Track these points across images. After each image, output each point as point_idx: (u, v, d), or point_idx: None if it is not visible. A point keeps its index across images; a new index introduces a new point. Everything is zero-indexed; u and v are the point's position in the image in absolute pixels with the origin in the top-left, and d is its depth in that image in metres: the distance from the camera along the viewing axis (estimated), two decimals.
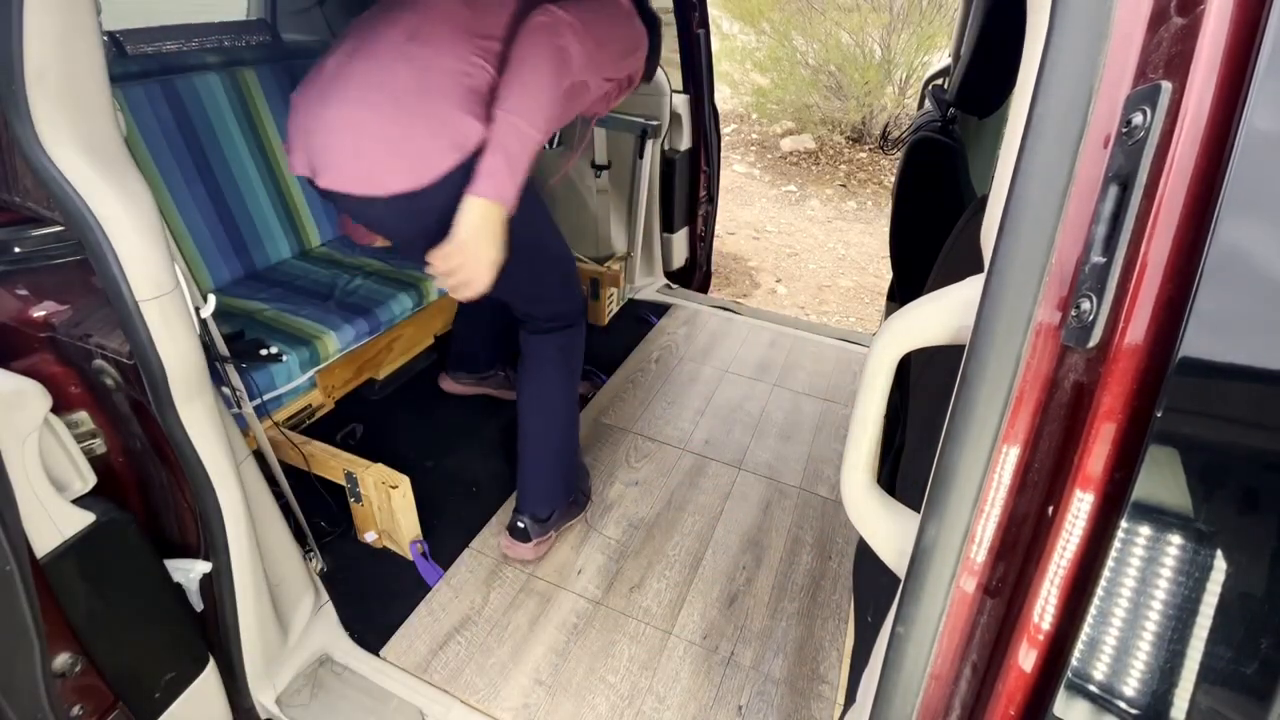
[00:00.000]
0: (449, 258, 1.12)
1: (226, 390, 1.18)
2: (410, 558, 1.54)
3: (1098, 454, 0.43)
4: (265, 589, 1.19)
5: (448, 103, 1.10)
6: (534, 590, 1.51)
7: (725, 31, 7.11)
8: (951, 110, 1.68)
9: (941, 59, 3.12)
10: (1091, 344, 0.42)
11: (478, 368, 2.04)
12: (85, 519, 0.90)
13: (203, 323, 1.02)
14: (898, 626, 0.56)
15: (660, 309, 2.65)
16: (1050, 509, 0.45)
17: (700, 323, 2.58)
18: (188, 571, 1.08)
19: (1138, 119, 0.39)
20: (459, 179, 1.11)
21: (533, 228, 1.31)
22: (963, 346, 0.51)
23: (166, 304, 0.89)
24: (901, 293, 2.05)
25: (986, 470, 0.49)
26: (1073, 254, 0.44)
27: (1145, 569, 0.41)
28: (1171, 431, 0.39)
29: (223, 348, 1.12)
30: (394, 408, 2.02)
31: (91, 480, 0.93)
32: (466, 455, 1.87)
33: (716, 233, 2.88)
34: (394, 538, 1.55)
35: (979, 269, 0.51)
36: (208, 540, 1.06)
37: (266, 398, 1.60)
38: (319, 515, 1.58)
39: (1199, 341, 0.37)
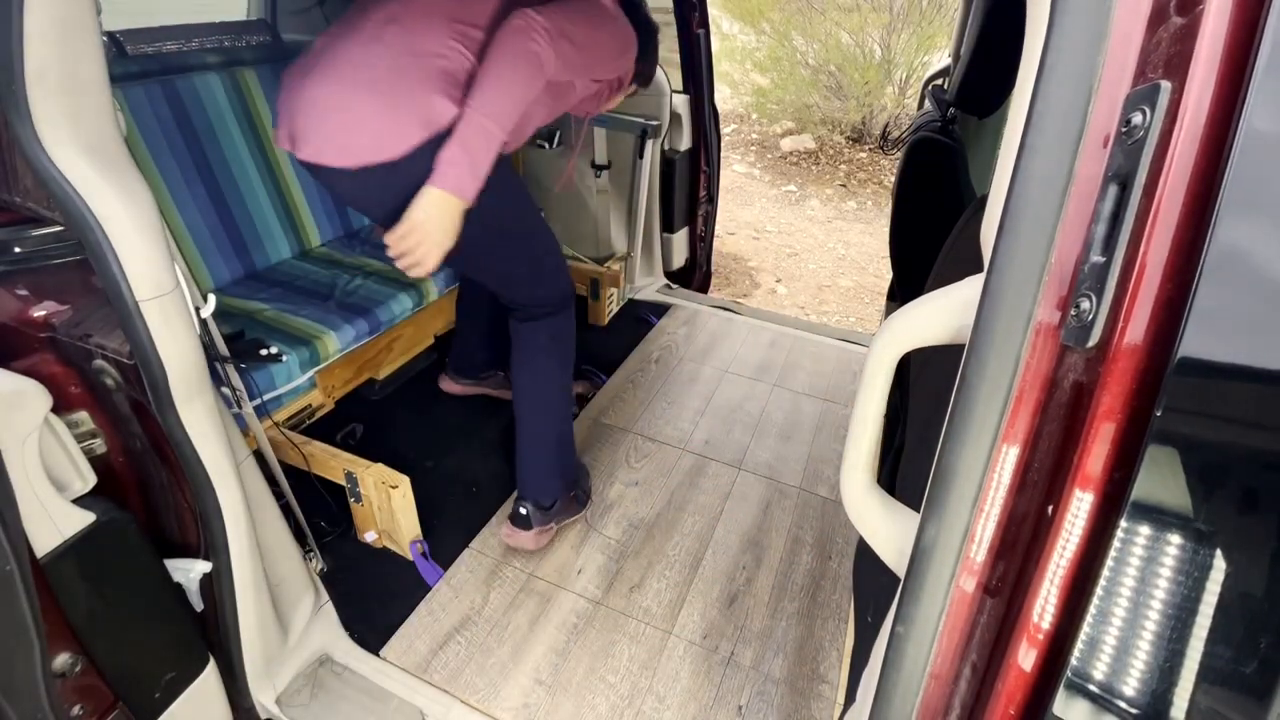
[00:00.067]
0: (402, 238, 1.18)
1: (227, 390, 1.18)
2: (410, 558, 1.54)
3: (1097, 453, 0.43)
4: (265, 589, 1.19)
5: (418, 82, 1.16)
6: (534, 590, 1.51)
7: (725, 31, 7.10)
8: (951, 110, 1.68)
9: (941, 59, 3.12)
10: (1091, 343, 0.42)
11: (477, 368, 2.04)
12: (85, 519, 0.90)
13: (203, 323, 1.02)
14: (897, 626, 0.56)
15: (660, 309, 2.65)
16: (1050, 508, 0.45)
17: (700, 323, 2.58)
18: (188, 571, 1.08)
19: (1137, 118, 0.39)
20: (431, 156, 1.16)
21: (514, 213, 1.36)
22: (962, 346, 0.51)
23: (167, 304, 0.89)
24: (901, 293, 2.05)
25: (986, 470, 0.49)
26: (1072, 253, 0.44)
27: (1145, 568, 0.41)
28: (1171, 431, 0.39)
29: (223, 348, 1.12)
30: (394, 408, 2.02)
31: (91, 480, 0.93)
32: (466, 455, 1.88)
33: (716, 233, 2.88)
34: (394, 538, 1.55)
35: (979, 269, 0.51)
36: (208, 540, 1.06)
37: (266, 398, 1.60)
38: (319, 515, 1.58)
39: (1198, 341, 0.37)
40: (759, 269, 4.34)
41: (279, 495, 1.31)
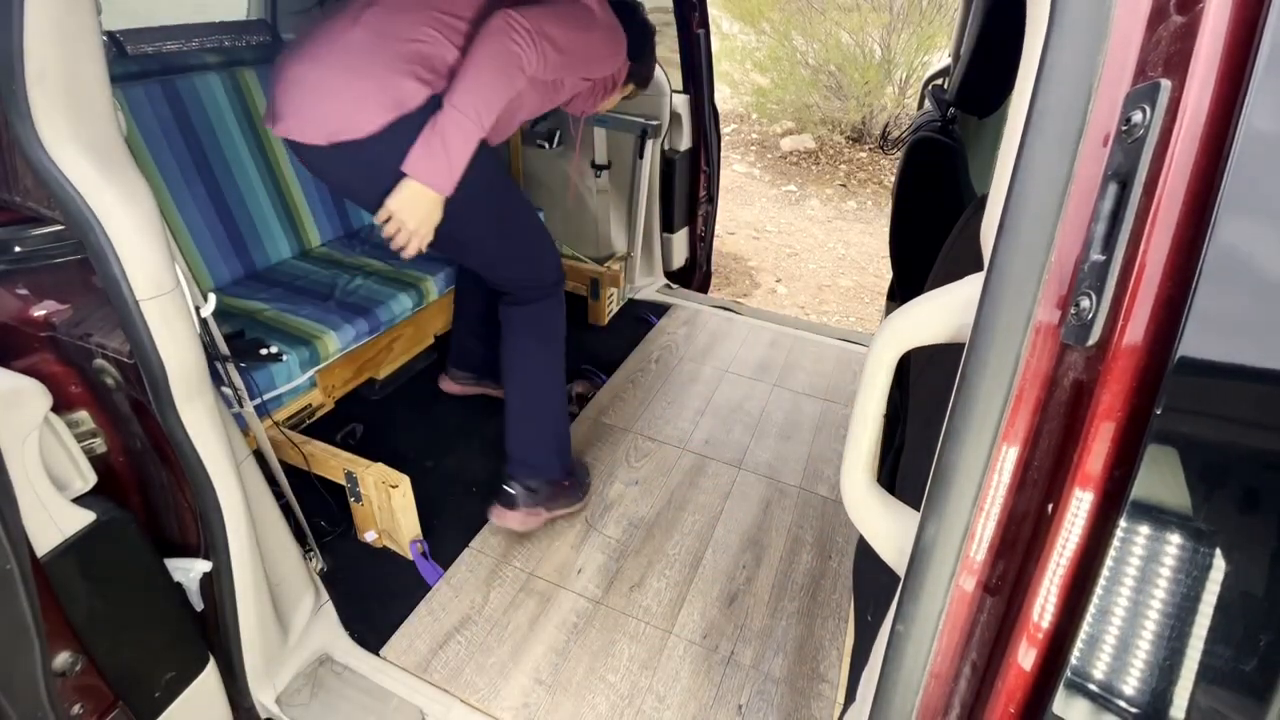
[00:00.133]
0: (386, 224, 1.26)
1: (227, 390, 1.18)
2: (410, 557, 1.54)
3: (1097, 452, 0.43)
4: (265, 588, 1.19)
5: (391, 63, 1.21)
6: (534, 590, 1.51)
7: (725, 31, 7.10)
8: (951, 110, 1.68)
9: (941, 59, 3.12)
10: (1091, 342, 0.42)
11: (477, 368, 2.04)
12: (85, 518, 0.90)
13: (203, 322, 1.02)
14: (898, 625, 0.56)
15: (660, 309, 2.65)
16: (1050, 507, 0.45)
17: (700, 323, 2.58)
18: (188, 571, 1.08)
19: (1137, 117, 0.39)
20: (401, 136, 1.20)
21: (493, 201, 1.40)
22: (963, 345, 0.51)
23: (167, 303, 0.89)
24: (901, 292, 2.05)
25: (986, 468, 0.49)
26: (1072, 252, 0.44)
27: (1144, 567, 0.41)
28: (1170, 430, 0.39)
29: (223, 347, 1.12)
30: (394, 407, 2.02)
31: (92, 479, 0.93)
32: (466, 455, 1.88)
33: (716, 233, 2.88)
34: (394, 537, 1.55)
35: (979, 268, 0.51)
36: (208, 540, 1.06)
37: (266, 397, 1.60)
38: (319, 515, 1.58)
39: (1198, 340, 0.37)
40: (759, 269, 4.34)
41: (279, 495, 1.31)
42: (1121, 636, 0.42)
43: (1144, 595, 0.41)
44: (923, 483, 0.55)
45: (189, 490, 1.02)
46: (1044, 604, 0.46)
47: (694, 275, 2.89)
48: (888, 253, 2.17)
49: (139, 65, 1.72)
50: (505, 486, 1.58)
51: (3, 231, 0.85)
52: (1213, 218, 0.36)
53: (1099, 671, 0.43)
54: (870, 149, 6.08)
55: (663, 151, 2.51)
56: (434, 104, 1.22)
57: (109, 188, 0.82)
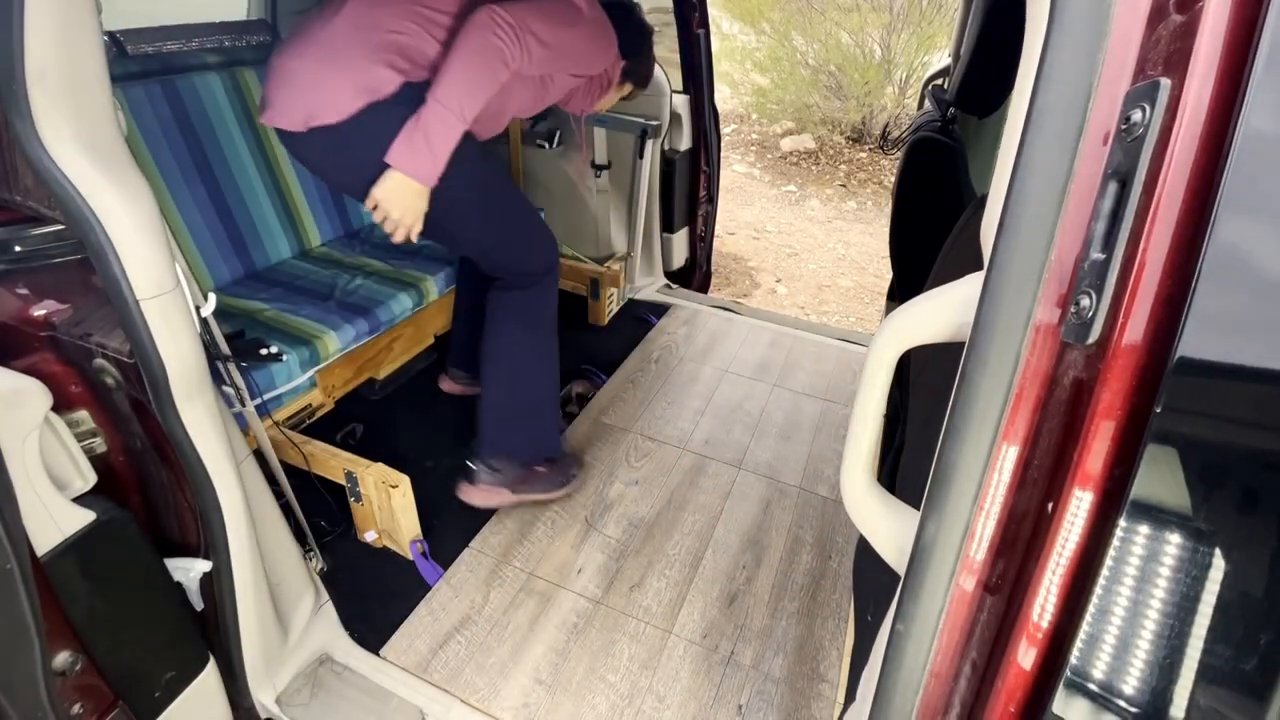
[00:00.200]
0: (373, 213, 1.31)
1: (227, 389, 1.18)
2: (410, 557, 1.54)
3: (1097, 451, 0.43)
4: (265, 588, 1.19)
5: (365, 52, 1.25)
6: (534, 590, 1.51)
7: (725, 31, 7.11)
8: (951, 110, 1.68)
9: (941, 59, 3.12)
10: (1091, 340, 0.42)
11: (477, 368, 2.03)
12: (85, 517, 0.90)
13: (203, 322, 1.02)
14: (898, 624, 0.56)
15: (660, 309, 2.65)
16: (1050, 506, 0.45)
17: (700, 323, 2.58)
18: (188, 570, 1.08)
19: (1137, 115, 0.39)
20: (374, 120, 1.25)
21: (478, 190, 1.42)
22: (962, 344, 0.51)
23: (167, 303, 0.89)
24: (901, 292, 2.05)
25: (986, 467, 0.49)
26: (1072, 251, 0.44)
27: (1144, 567, 0.41)
28: (1170, 428, 0.39)
29: (224, 347, 1.12)
30: (394, 407, 2.02)
31: (92, 479, 0.93)
32: (466, 455, 1.87)
33: (716, 233, 2.88)
34: (394, 537, 1.55)
35: (979, 268, 0.51)
36: (208, 539, 1.06)
37: (266, 397, 1.60)
38: (319, 515, 1.58)
39: (1198, 338, 0.37)
40: (759, 269, 4.34)
41: (279, 495, 1.31)
42: (1121, 636, 0.42)
43: (1144, 595, 0.41)
44: (923, 482, 0.55)
45: (189, 490, 1.02)
46: (1044, 603, 0.46)
47: (694, 275, 2.89)
48: (888, 253, 2.17)
49: (139, 65, 1.72)
50: (469, 462, 1.62)
51: (3, 231, 0.85)
52: (1212, 216, 0.36)
53: (1099, 671, 0.43)
54: (870, 149, 6.08)
55: (663, 151, 2.51)
56: (409, 91, 1.26)
57: (109, 187, 0.82)
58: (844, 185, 5.62)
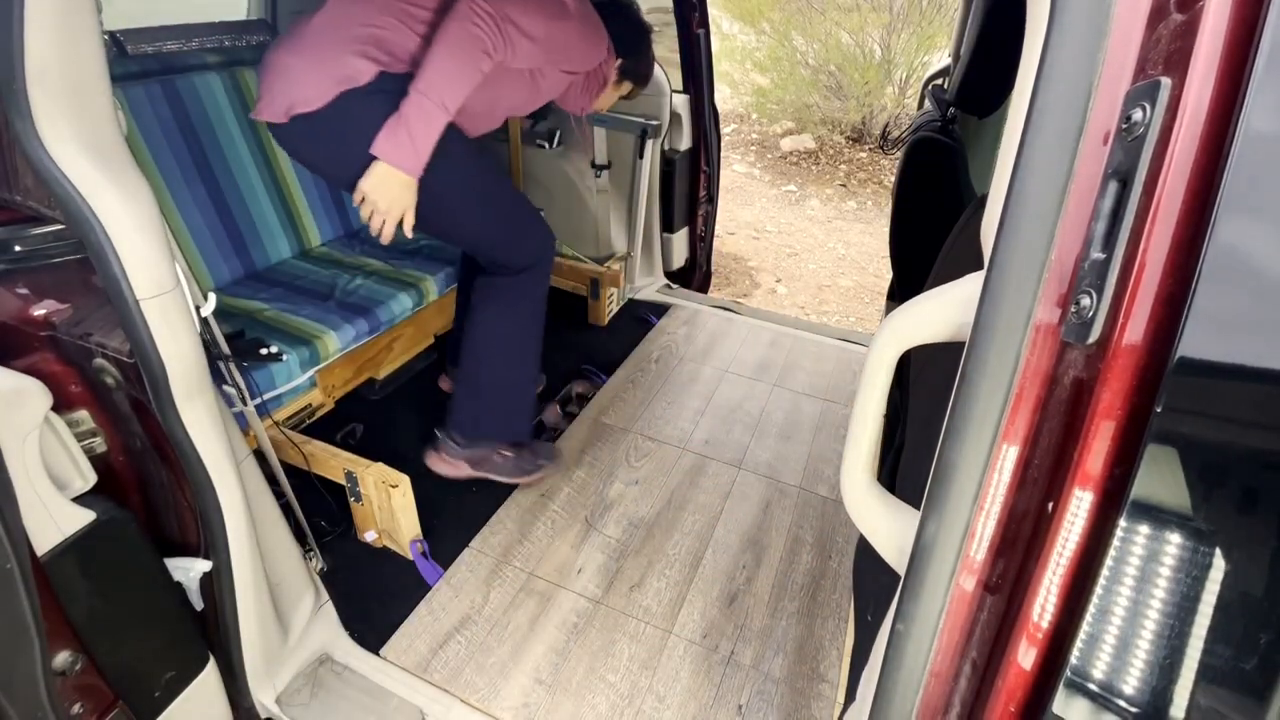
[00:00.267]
0: (361, 207, 1.33)
1: (228, 389, 1.18)
2: (410, 557, 1.54)
3: (1097, 451, 0.43)
4: (265, 588, 1.19)
5: (343, 44, 1.30)
6: (534, 589, 1.51)
7: (725, 31, 7.10)
8: (951, 110, 1.68)
9: (941, 59, 3.12)
10: (1091, 340, 0.42)
11: None
12: (86, 517, 0.90)
13: (203, 321, 1.02)
14: (898, 624, 0.56)
15: (660, 309, 2.65)
16: (1050, 506, 0.45)
17: (700, 323, 2.58)
18: (188, 570, 1.08)
19: (1137, 115, 0.39)
20: (349, 108, 1.29)
21: (461, 182, 1.45)
22: (963, 344, 0.51)
23: (167, 303, 0.89)
24: (902, 292, 2.05)
25: (986, 467, 0.49)
26: (1072, 250, 0.44)
27: (1144, 567, 0.41)
28: (1170, 429, 0.39)
29: (224, 346, 1.12)
30: (394, 407, 2.02)
31: (92, 479, 0.93)
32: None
33: (716, 233, 2.88)
34: (394, 537, 1.55)
35: (979, 268, 0.51)
36: (208, 539, 1.06)
37: (267, 397, 1.60)
38: (319, 515, 1.58)
39: (1198, 338, 0.37)
40: (759, 269, 4.34)
41: (279, 495, 1.31)
42: (1121, 636, 0.42)
43: (1144, 595, 0.41)
44: (923, 482, 0.55)
45: (189, 490, 1.02)
46: (1044, 603, 0.46)
47: (694, 275, 2.89)
48: (888, 253, 2.17)
49: (139, 65, 1.72)
50: (436, 430, 1.70)
51: (3, 231, 0.85)
52: (1213, 216, 0.36)
53: (1099, 671, 0.43)
54: (870, 149, 6.08)
55: (663, 151, 2.51)
56: (385, 80, 1.30)
57: (109, 187, 0.82)
58: (844, 185, 5.62)
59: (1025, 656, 0.47)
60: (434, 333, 2.24)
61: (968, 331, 0.50)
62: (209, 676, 1.14)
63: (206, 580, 1.10)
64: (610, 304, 2.55)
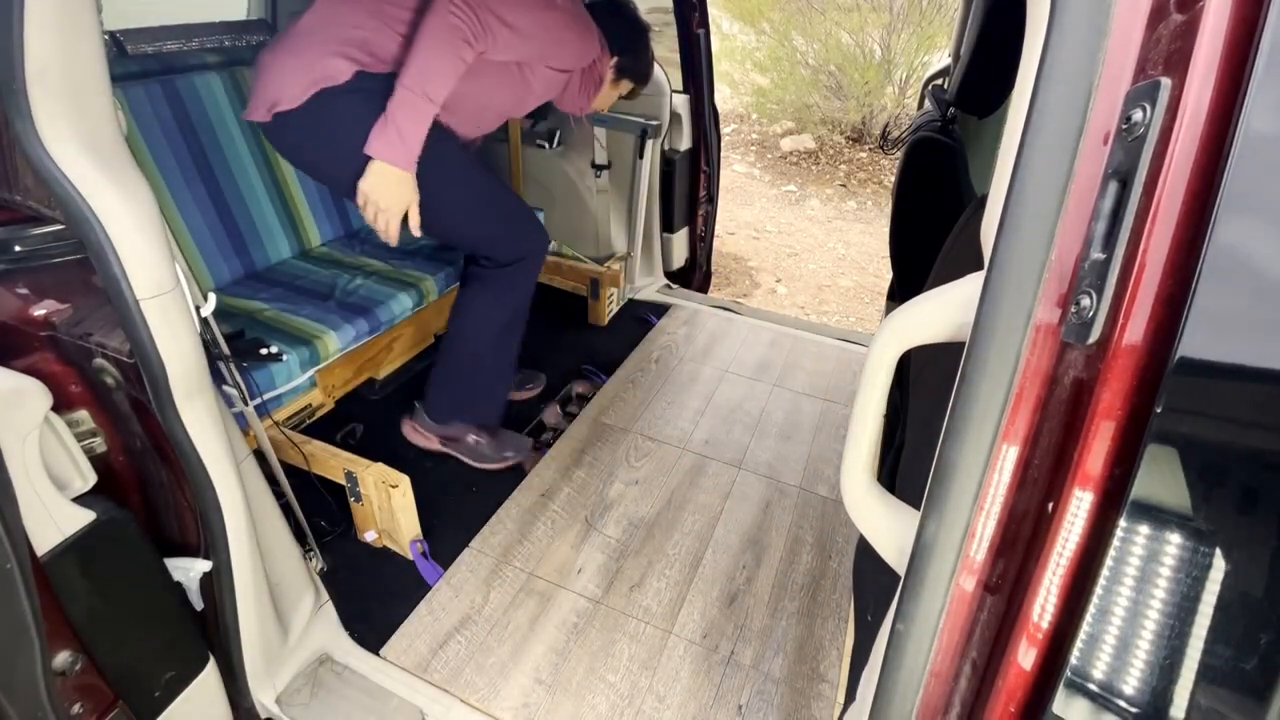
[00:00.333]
0: (362, 208, 1.38)
1: (228, 389, 1.18)
2: (410, 557, 1.54)
3: (1097, 451, 0.43)
4: (265, 588, 1.19)
5: (324, 45, 1.34)
6: (534, 590, 1.51)
7: (725, 31, 7.11)
8: (951, 110, 1.68)
9: (941, 59, 3.12)
10: (1091, 340, 0.42)
11: None
12: (85, 517, 0.90)
13: (203, 321, 1.02)
14: (898, 624, 0.56)
15: (660, 309, 2.65)
16: (1050, 506, 0.45)
17: (700, 323, 2.58)
18: (188, 570, 1.08)
19: (1137, 115, 0.39)
20: (327, 106, 1.34)
21: (444, 180, 1.47)
22: (962, 344, 0.51)
23: (167, 303, 0.89)
24: (902, 292, 2.05)
25: (986, 467, 0.49)
26: (1073, 250, 0.44)
27: (1144, 567, 0.41)
28: (1170, 429, 0.39)
29: (224, 346, 1.12)
30: (394, 407, 2.02)
31: (92, 479, 0.93)
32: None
33: (716, 233, 2.88)
34: (394, 537, 1.55)
35: (979, 268, 0.51)
36: (208, 539, 1.06)
37: (266, 397, 1.60)
38: (319, 515, 1.58)
39: (1198, 338, 0.37)
40: (759, 269, 4.34)
41: (279, 495, 1.30)
42: (1121, 636, 0.42)
43: (1144, 595, 0.41)
44: (923, 482, 0.55)
45: (189, 490, 1.02)
46: (1044, 603, 0.46)
47: (694, 275, 2.89)
48: (888, 253, 2.17)
49: (139, 65, 1.72)
50: (416, 401, 1.81)
51: (3, 231, 0.85)
52: (1213, 216, 0.36)
53: (1099, 671, 0.43)
54: (870, 149, 6.08)
55: (663, 151, 2.51)
56: (363, 80, 1.35)
57: (109, 187, 0.82)
58: (844, 185, 5.62)
59: (1025, 656, 0.47)
60: (434, 333, 2.24)
61: (968, 331, 0.50)
62: (209, 676, 1.14)
63: (206, 580, 1.10)
64: (610, 304, 2.55)
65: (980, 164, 1.65)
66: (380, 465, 1.49)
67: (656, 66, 2.19)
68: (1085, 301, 0.42)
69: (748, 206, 5.24)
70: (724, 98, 6.63)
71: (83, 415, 0.98)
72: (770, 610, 1.48)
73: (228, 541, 1.07)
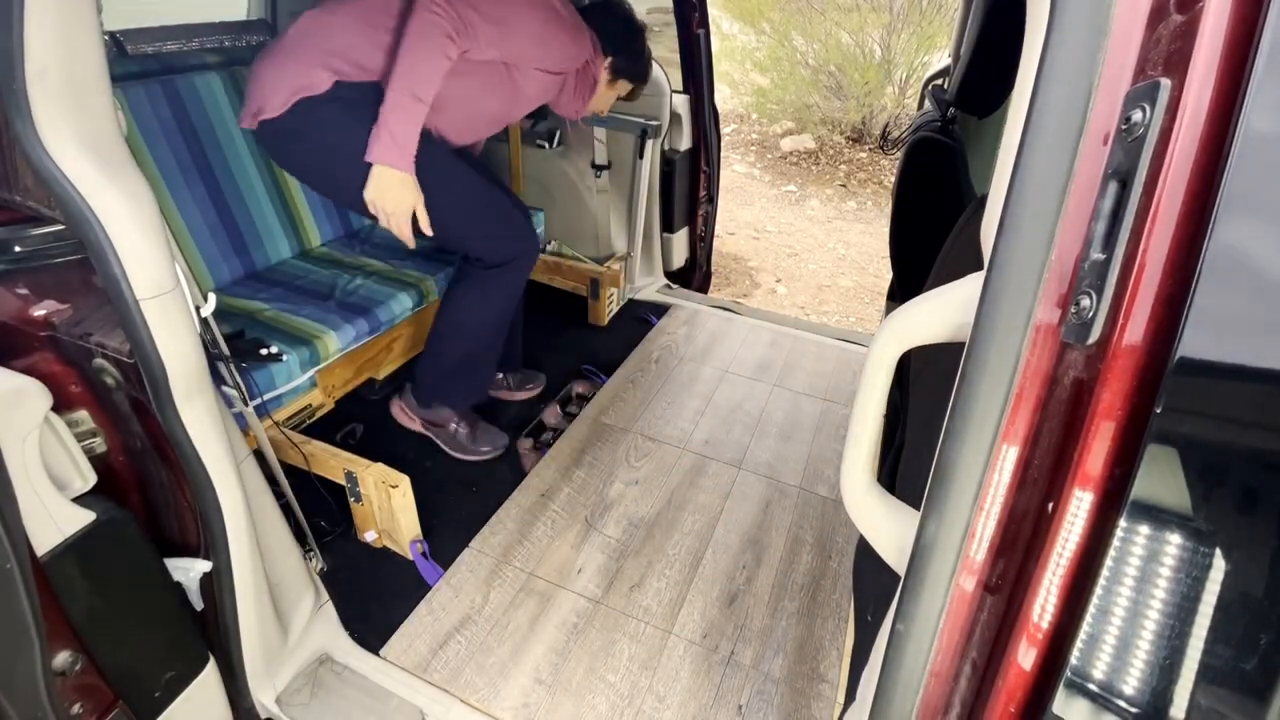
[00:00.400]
0: (370, 208, 1.42)
1: (228, 389, 1.18)
2: (410, 557, 1.54)
3: (1097, 451, 0.43)
4: (265, 588, 1.19)
5: (306, 56, 1.40)
6: (534, 590, 1.51)
7: (725, 31, 7.10)
8: (951, 110, 1.68)
9: (941, 59, 3.12)
10: (1091, 340, 0.42)
11: None
12: (85, 517, 0.90)
13: (203, 322, 1.02)
14: (898, 624, 0.56)
15: (660, 309, 2.65)
16: (1050, 506, 0.45)
17: (700, 323, 2.58)
18: (188, 570, 1.08)
19: (1137, 116, 0.39)
20: (307, 114, 1.40)
21: (441, 182, 1.51)
22: (962, 344, 0.51)
23: (167, 303, 0.89)
24: (901, 293, 2.05)
25: (986, 467, 0.49)
26: (1072, 251, 0.44)
27: (1144, 567, 0.41)
28: (1170, 429, 0.39)
29: (223, 347, 1.12)
30: None
31: (92, 479, 0.93)
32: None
33: (716, 233, 2.88)
34: (394, 537, 1.55)
35: (979, 268, 0.51)
36: (208, 539, 1.06)
37: (266, 397, 1.60)
38: (319, 515, 1.58)
39: (1198, 338, 0.37)
40: (759, 269, 4.34)
41: (279, 495, 1.31)
42: (1121, 636, 0.42)
43: (1144, 595, 0.41)
44: (923, 482, 0.55)
45: (189, 490, 1.02)
46: (1044, 603, 0.46)
47: (694, 275, 2.89)
48: (888, 253, 2.17)
49: (139, 65, 1.72)
50: (407, 383, 1.88)
51: (3, 231, 0.85)
52: (1213, 216, 0.36)
53: (1099, 671, 0.43)
54: (870, 149, 6.08)
55: (663, 151, 2.51)
56: (342, 89, 1.39)
57: (109, 187, 0.82)
58: (844, 185, 5.62)
59: (1025, 657, 0.47)
60: None
61: (968, 331, 0.50)
62: (209, 676, 1.14)
63: (206, 580, 1.10)
64: (610, 304, 2.55)
65: (980, 164, 1.65)
66: (380, 465, 1.49)
67: (656, 66, 2.19)
68: (1085, 302, 0.42)
69: (748, 206, 5.24)
70: (724, 98, 6.63)
71: (83, 415, 0.98)
72: (770, 610, 1.48)
73: (228, 541, 1.07)
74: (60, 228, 0.86)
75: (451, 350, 1.74)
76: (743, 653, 1.39)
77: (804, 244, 4.68)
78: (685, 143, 2.52)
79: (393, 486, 1.45)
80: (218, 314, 1.06)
